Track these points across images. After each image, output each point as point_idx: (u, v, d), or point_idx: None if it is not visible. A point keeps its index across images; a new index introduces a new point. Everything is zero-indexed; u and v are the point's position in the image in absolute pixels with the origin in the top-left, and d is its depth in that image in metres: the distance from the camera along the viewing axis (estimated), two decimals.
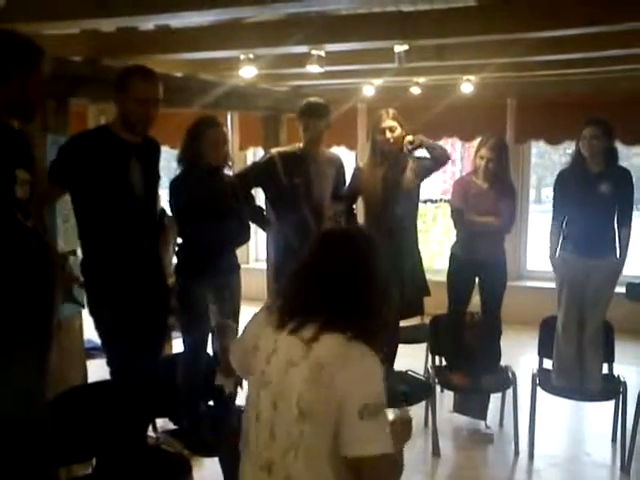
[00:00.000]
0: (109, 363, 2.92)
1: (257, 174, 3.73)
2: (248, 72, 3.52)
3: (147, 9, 2.45)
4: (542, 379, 3.73)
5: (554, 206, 3.87)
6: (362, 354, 1.53)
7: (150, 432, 3.02)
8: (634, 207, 3.80)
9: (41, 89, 2.25)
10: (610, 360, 3.75)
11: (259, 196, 4.13)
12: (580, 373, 3.71)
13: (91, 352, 3.74)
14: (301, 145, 3.67)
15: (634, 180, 3.76)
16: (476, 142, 3.79)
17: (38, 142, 3.02)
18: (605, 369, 3.74)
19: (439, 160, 3.67)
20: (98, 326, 2.88)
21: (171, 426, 3.23)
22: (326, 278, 1.61)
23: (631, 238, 3.73)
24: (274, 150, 3.84)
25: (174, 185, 3.25)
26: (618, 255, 3.73)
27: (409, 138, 3.62)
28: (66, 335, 3.23)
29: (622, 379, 3.61)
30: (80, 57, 3.30)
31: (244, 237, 3.47)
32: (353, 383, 1.49)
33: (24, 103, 2.22)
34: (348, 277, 1.61)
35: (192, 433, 3.11)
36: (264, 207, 3.95)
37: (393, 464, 1.53)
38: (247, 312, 3.80)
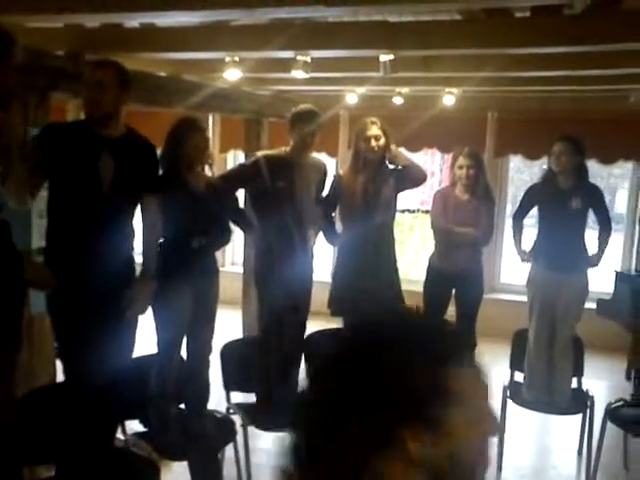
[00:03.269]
0: (64, 370, 2.79)
1: (242, 176, 3.71)
2: (233, 75, 3.51)
3: (135, 6, 2.43)
4: (513, 391, 3.76)
5: (517, 210, 3.98)
6: None
7: (119, 434, 2.98)
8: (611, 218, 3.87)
9: (13, 77, 2.22)
10: (579, 374, 3.80)
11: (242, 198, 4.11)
12: (550, 386, 3.75)
13: None
14: (288, 149, 3.65)
15: (608, 200, 3.83)
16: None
17: (18, 135, 2.97)
18: (574, 383, 3.79)
19: (416, 181, 3.76)
20: (55, 327, 2.80)
21: (141, 428, 3.19)
22: None
23: (609, 242, 3.79)
24: (260, 153, 3.81)
25: None
26: (591, 261, 3.78)
27: (393, 152, 3.65)
28: (37, 333, 3.17)
29: (590, 393, 3.65)
30: (63, 51, 3.26)
31: (224, 240, 3.45)
32: None
33: None
34: None
35: (161, 436, 3.07)
36: (246, 209, 3.92)
37: None
38: (222, 316, 3.79)
